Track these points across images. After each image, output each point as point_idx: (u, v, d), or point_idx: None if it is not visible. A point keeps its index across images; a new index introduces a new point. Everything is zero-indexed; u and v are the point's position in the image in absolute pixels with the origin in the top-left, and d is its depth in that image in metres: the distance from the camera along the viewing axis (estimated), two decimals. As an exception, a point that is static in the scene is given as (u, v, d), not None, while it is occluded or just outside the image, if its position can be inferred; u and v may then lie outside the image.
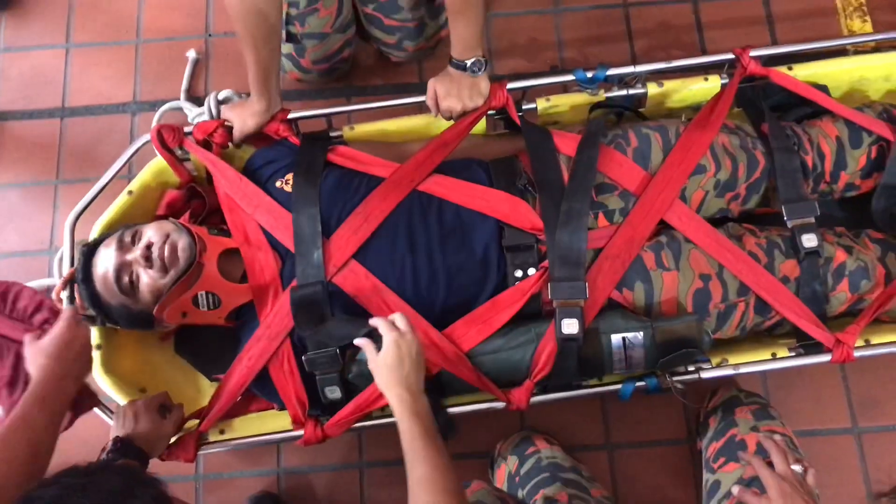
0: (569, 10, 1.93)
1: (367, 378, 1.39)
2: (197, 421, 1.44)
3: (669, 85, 1.63)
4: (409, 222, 1.42)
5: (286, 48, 1.74)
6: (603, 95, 1.63)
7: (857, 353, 1.42)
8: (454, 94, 1.55)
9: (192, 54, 1.90)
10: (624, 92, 1.63)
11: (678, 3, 1.93)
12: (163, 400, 1.41)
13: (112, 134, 1.83)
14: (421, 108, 1.60)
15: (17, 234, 1.79)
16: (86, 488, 0.76)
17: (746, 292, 1.40)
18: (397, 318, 1.24)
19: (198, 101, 1.82)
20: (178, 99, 1.84)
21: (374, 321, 1.25)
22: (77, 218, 1.55)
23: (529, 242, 1.41)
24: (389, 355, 1.20)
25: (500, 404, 1.41)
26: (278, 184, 1.48)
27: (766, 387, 1.68)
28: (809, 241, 1.43)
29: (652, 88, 1.62)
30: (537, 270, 1.39)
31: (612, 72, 1.61)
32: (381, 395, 1.37)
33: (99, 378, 1.47)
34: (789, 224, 1.45)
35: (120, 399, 1.46)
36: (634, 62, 1.72)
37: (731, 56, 1.60)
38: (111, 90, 1.89)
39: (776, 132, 1.50)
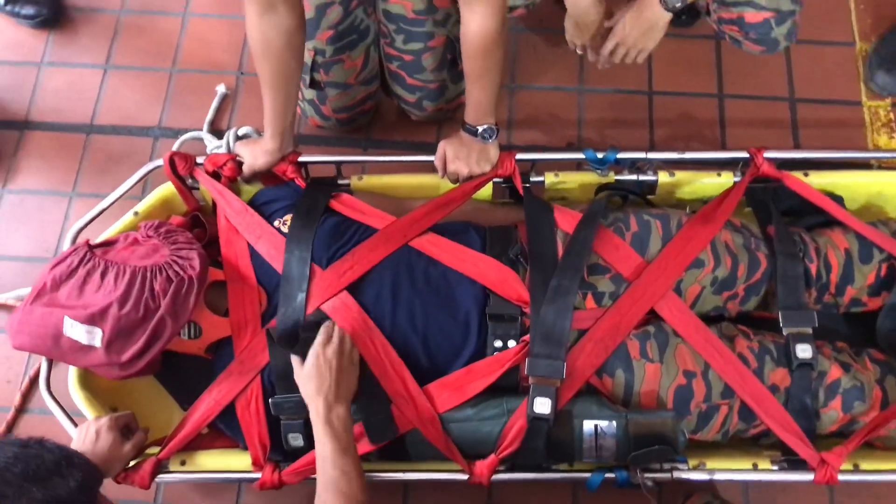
0: (593, 90, 1.95)
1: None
2: (157, 449, 1.43)
3: (681, 176, 1.62)
4: (394, 275, 1.42)
5: (308, 94, 1.78)
6: (612, 178, 1.63)
7: (842, 477, 1.36)
8: (462, 157, 1.56)
9: (221, 88, 1.95)
10: (634, 177, 1.62)
11: (704, 97, 1.94)
12: (127, 421, 1.40)
13: (133, 155, 1.88)
14: (433, 168, 1.62)
15: (25, 240, 1.83)
16: (17, 457, 0.75)
17: (731, 395, 1.36)
18: (328, 326, 1.31)
19: (219, 134, 1.85)
20: (201, 129, 1.88)
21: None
22: (80, 230, 1.59)
23: (514, 314, 1.39)
24: (309, 366, 1.24)
25: (462, 476, 1.38)
26: (277, 223, 1.50)
27: (748, 497, 1.61)
28: (804, 351, 1.39)
29: (663, 177, 1.62)
30: (518, 343, 1.37)
31: (622, 155, 1.61)
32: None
33: (73, 391, 1.48)
34: (785, 332, 1.41)
35: (88, 414, 1.46)
36: (652, 149, 1.72)
37: (745, 155, 1.60)
38: (138, 113, 1.94)
39: (782, 236, 1.48)
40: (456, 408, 1.36)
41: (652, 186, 1.63)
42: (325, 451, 1.20)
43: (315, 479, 1.39)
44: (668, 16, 1.55)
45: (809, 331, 1.41)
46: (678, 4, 1.53)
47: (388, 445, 1.38)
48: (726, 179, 1.61)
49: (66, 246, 1.52)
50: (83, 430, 1.37)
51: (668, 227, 1.46)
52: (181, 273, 1.36)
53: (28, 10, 1.99)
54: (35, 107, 1.96)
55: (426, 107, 1.81)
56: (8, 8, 2.00)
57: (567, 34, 1.68)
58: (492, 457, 1.35)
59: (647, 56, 1.64)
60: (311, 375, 1.25)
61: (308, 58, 1.68)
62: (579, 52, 1.72)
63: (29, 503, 0.70)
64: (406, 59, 1.73)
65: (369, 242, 1.45)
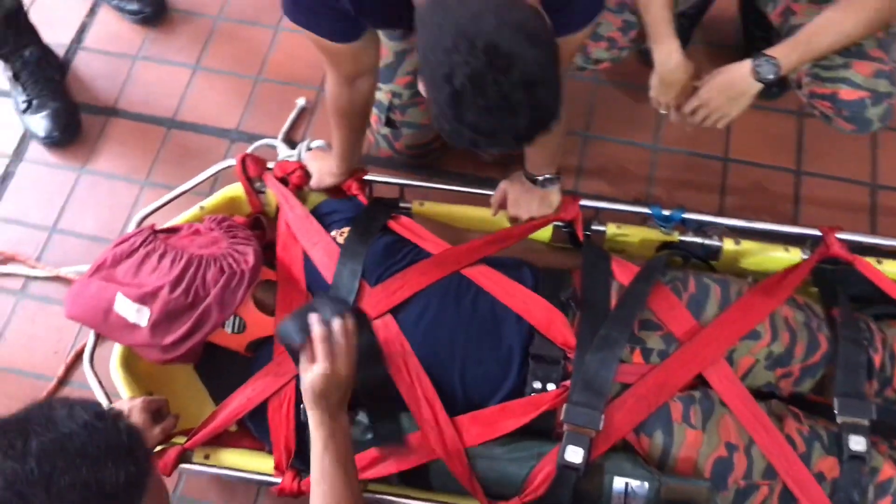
0: (667, 150, 1.93)
1: (359, 445, 1.37)
2: (183, 438, 1.43)
3: (747, 245, 1.58)
4: (441, 301, 1.41)
5: (383, 130, 1.81)
6: (677, 237, 1.60)
7: (884, 581, 1.28)
8: (523, 204, 1.57)
9: (300, 101, 1.99)
10: (699, 240, 1.59)
11: (780, 171, 1.90)
12: (160, 406, 1.41)
13: (208, 154, 1.93)
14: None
15: (93, 220, 1.88)
16: (86, 426, 0.72)
17: (773, 476, 1.30)
18: (337, 329, 1.15)
19: (293, 144, 1.89)
20: (276, 138, 1.92)
21: (316, 339, 1.14)
22: (145, 217, 1.64)
23: (557, 357, 1.36)
24: (319, 385, 1.12)
25: (482, 514, 1.34)
26: (334, 233, 1.51)
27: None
28: (857, 443, 1.32)
29: (728, 244, 1.58)
30: (557, 388, 1.34)
31: (689, 216, 1.58)
32: (367, 466, 1.34)
33: (114, 370, 1.50)
34: (839, 420, 1.34)
35: (125, 394, 1.47)
36: (720, 215, 1.68)
37: (817, 233, 1.55)
38: (219, 115, 2.00)
39: (848, 321, 1.42)
40: (484, 444, 1.33)
41: (716, 252, 1.59)
42: (323, 463, 1.12)
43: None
44: (759, 86, 1.53)
45: (866, 423, 1.34)
46: (771, 77, 1.50)
47: (411, 471, 1.36)
48: (794, 255, 1.56)
49: (130, 230, 1.56)
50: (116, 407, 1.39)
51: (728, 294, 1.42)
52: (234, 266, 1.39)
53: (133, 5, 2.08)
54: (124, 96, 2.03)
55: (491, 151, 1.82)
56: (115, 2, 2.10)
57: (652, 91, 1.67)
58: (515, 499, 1.31)
59: (729, 123, 1.61)
60: (319, 394, 1.12)
61: (385, 99, 1.72)
62: (662, 111, 1.70)
63: (71, 481, 0.67)
64: None
65: (421, 266, 1.45)
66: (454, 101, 0.95)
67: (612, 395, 1.33)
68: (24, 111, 1.93)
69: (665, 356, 1.37)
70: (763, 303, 1.40)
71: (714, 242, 1.58)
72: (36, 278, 1.82)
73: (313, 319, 1.14)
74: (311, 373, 1.12)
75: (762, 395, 1.41)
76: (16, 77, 1.92)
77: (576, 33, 1.26)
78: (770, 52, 1.51)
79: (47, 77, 1.94)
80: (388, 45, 1.64)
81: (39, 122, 1.92)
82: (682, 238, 1.59)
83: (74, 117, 1.97)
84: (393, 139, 1.81)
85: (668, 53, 1.58)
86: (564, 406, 1.31)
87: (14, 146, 1.97)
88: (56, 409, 0.72)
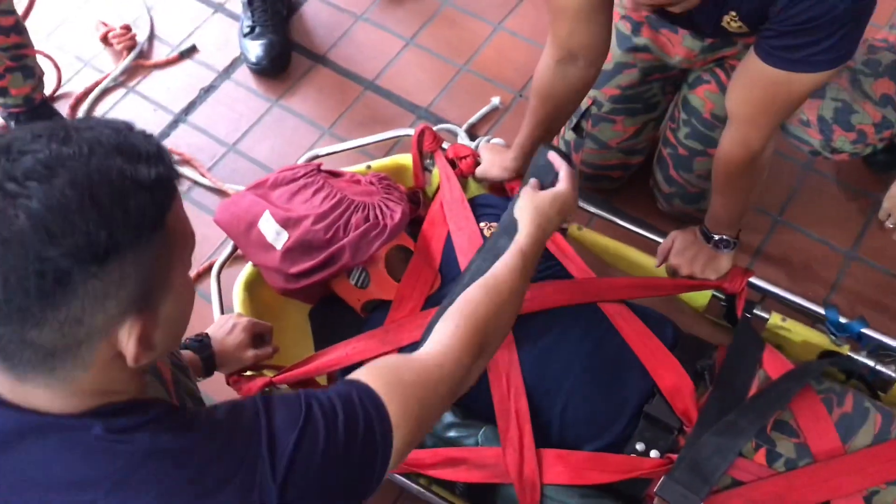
0: (865, 261, 1.72)
1: (436, 440, 1.30)
2: (273, 372, 1.42)
3: (926, 386, 1.37)
4: (568, 326, 1.31)
5: (568, 135, 1.73)
6: (846, 350, 1.41)
7: None
8: (689, 256, 1.44)
9: (496, 100, 1.97)
10: (871, 363, 1.40)
11: None
12: (263, 331, 1.41)
13: (392, 122, 1.95)
14: (654, 250, 1.51)
15: (268, 149, 1.95)
16: (118, 131, 0.71)
17: None
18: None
19: (473, 137, 1.87)
20: (460, 127, 1.91)
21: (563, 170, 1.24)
22: (316, 157, 1.69)
23: (672, 425, 1.23)
24: (548, 205, 1.19)
25: (535, 558, 1.22)
26: (482, 224, 1.46)
27: None
28: None
29: (904, 379, 1.38)
30: (661, 457, 1.21)
31: (869, 332, 1.39)
32: (436, 464, 1.27)
33: (237, 287, 1.52)
34: None
35: (236, 311, 1.49)
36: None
37: None
38: (416, 91, 2.02)
39: None
40: (563, 488, 1.22)
41: (888, 383, 1.39)
42: (509, 261, 1.10)
43: (392, 480, 1.32)
44: None
45: None
46: None
47: (477, 487, 1.27)
48: (982, 416, 1.33)
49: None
50: (223, 319, 1.40)
51: (888, 428, 1.23)
52: (379, 218, 1.38)
53: (373, -29, 2.16)
54: (336, 49, 2.10)
55: (675, 204, 1.70)
56: (357, -37, 2.18)
57: (887, 200, 1.52)
58: (575, 556, 1.19)
59: None
60: (543, 214, 1.18)
61: (584, 103, 1.65)
62: (889, 224, 1.52)
63: (105, 170, 0.66)
64: (680, 152, 1.63)
65: (558, 284, 1.37)
66: None
67: (720, 487, 1.18)
68: (245, 35, 2.04)
69: (793, 467, 1.20)
70: (929, 452, 1.20)
71: (889, 371, 1.38)
72: (201, 185, 1.90)
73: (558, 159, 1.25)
74: (562, 191, 1.21)
75: (894, 554, 1.21)
76: (249, 2, 2.03)
77: (813, 73, 1.14)
78: None
79: (275, 10, 2.04)
80: (613, 52, 1.57)
81: (254, 48, 2.02)
82: (852, 355, 1.41)
83: (286, 54, 2.06)
84: (574, 149, 1.73)
85: None
86: (662, 479, 1.18)
87: (226, 64, 2.09)
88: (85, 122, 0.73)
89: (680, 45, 1.51)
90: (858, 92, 1.47)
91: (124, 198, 0.67)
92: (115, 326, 0.69)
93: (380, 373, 0.87)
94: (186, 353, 1.28)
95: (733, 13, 1.17)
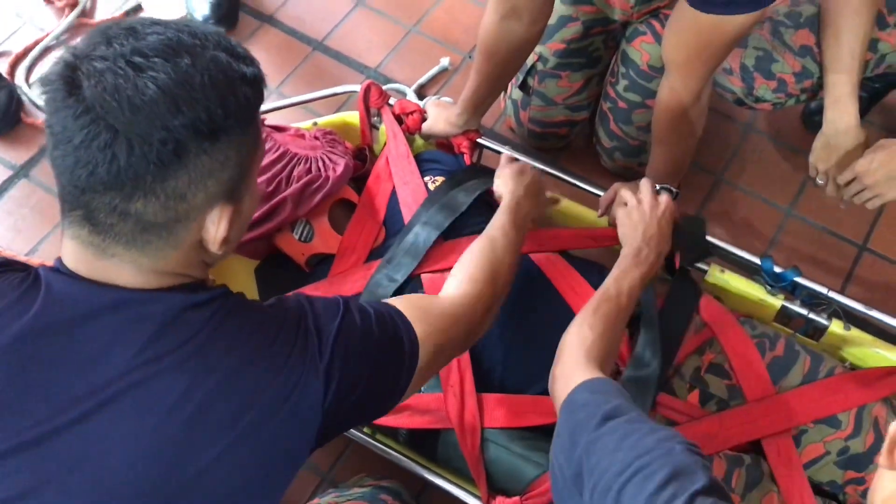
0: (801, 219, 1.77)
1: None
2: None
3: (856, 334, 1.41)
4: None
5: (515, 94, 1.74)
6: (780, 302, 1.45)
7: None
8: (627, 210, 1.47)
9: (444, 61, 1.97)
10: (805, 311, 1.44)
11: (921, 277, 1.71)
12: None
13: (340, 82, 1.91)
14: (598, 204, 1.53)
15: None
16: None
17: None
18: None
19: (422, 97, 1.88)
20: (409, 87, 1.91)
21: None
22: (261, 112, 1.66)
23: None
24: (514, 185, 1.31)
25: (474, 501, 1.25)
26: (427, 179, 1.47)
27: None
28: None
29: (836, 326, 1.41)
30: (599, 398, 1.23)
31: (802, 281, 1.43)
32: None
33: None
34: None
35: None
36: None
37: (942, 344, 1.37)
38: (364, 51, 2.01)
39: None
40: (503, 432, 1.24)
41: (819, 332, 1.43)
42: (502, 227, 1.19)
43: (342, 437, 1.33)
44: None
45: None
46: None
47: (420, 434, 1.29)
48: (906, 361, 1.38)
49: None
50: None
51: (817, 368, 1.28)
52: (321, 170, 1.38)
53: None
54: (284, 9, 2.08)
55: (616, 158, 1.73)
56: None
57: (812, 154, 1.54)
58: (516, 499, 1.20)
59: (880, 206, 1.45)
60: (514, 194, 1.28)
61: (530, 60, 1.66)
62: (819, 179, 1.56)
63: (217, 60, 0.73)
64: (619, 106, 1.65)
65: (502, 235, 1.38)
66: None
67: (655, 427, 1.21)
68: (192, -7, 2.01)
69: (725, 407, 1.23)
70: (854, 392, 1.25)
71: (821, 320, 1.43)
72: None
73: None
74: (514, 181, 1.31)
75: (823, 493, 1.25)
76: (196, -39, 2.01)
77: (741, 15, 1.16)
78: None
79: (223, -31, 2.02)
80: (557, 5, 1.57)
81: (201, 6, 1.99)
82: (787, 304, 1.45)
83: (233, 13, 2.03)
84: (521, 107, 1.74)
85: (841, 114, 1.45)
86: (600, 420, 1.20)
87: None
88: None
89: None
90: (779, 42, 1.51)
91: (235, 86, 0.74)
92: (208, 209, 0.76)
93: (409, 302, 0.96)
94: None
95: None
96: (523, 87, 1.72)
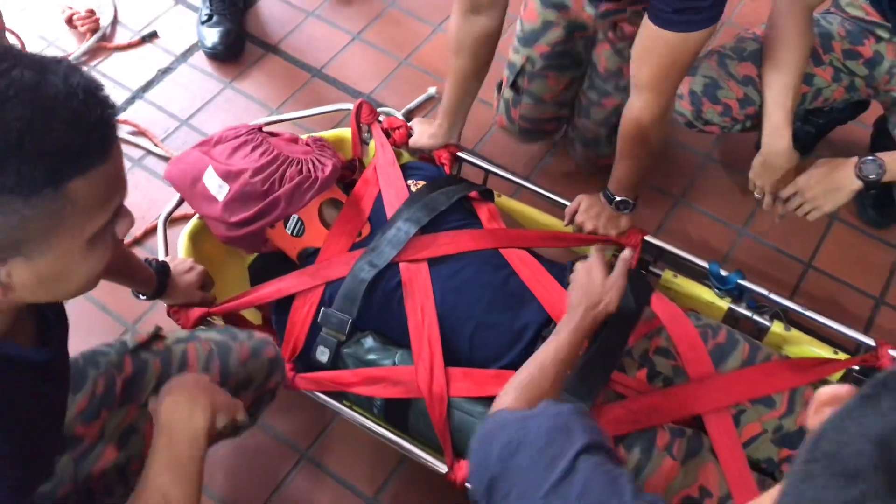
0: (754, 238, 1.93)
1: (357, 362, 1.43)
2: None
3: (795, 334, 1.56)
4: (480, 266, 1.47)
5: (507, 93, 1.90)
6: (726, 304, 1.59)
7: None
8: (593, 215, 1.62)
9: (432, 90, 2.16)
10: (749, 314, 1.58)
11: (861, 294, 1.85)
12: (210, 282, 1.55)
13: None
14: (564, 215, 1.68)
15: (219, 125, 2.06)
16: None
17: (738, 540, 1.25)
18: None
19: (409, 121, 2.04)
20: (398, 111, 2.09)
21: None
22: (259, 126, 1.80)
23: (566, 347, 1.38)
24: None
25: (442, 467, 1.36)
26: (409, 182, 1.62)
27: None
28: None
29: (777, 327, 1.56)
30: (555, 374, 1.36)
31: (745, 283, 1.57)
32: (357, 383, 1.40)
33: (182, 237, 1.64)
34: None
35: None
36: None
37: (871, 342, 1.50)
38: (359, 80, 2.19)
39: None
40: (468, 400, 1.36)
41: (763, 332, 1.57)
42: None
43: (317, 400, 1.45)
44: (858, 184, 1.53)
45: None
46: (873, 177, 1.50)
47: (393, 404, 1.41)
48: (840, 357, 1.51)
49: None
50: (186, 260, 1.54)
51: (755, 355, 1.41)
52: (311, 172, 1.52)
53: (325, -26, 2.34)
54: (287, 40, 2.27)
55: (577, 149, 1.90)
56: (312, -32, 2.37)
57: (752, 172, 1.70)
58: (476, 460, 1.32)
59: (819, 217, 1.61)
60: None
61: (519, 62, 1.81)
62: (756, 194, 1.71)
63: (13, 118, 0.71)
64: (582, 102, 1.83)
65: (474, 232, 1.53)
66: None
67: (605, 399, 1.34)
68: (203, 23, 2.20)
69: (670, 384, 1.36)
70: (788, 375, 1.38)
71: (763, 321, 1.57)
72: (154, 154, 2.03)
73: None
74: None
75: (760, 470, 1.37)
76: (209, -6, 2.21)
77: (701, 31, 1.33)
78: (880, 155, 1.52)
79: (233, 2, 2.21)
80: (538, 10, 1.73)
81: (211, 35, 2.18)
82: (733, 307, 1.59)
83: (240, 42, 2.22)
84: (512, 105, 1.89)
85: (776, 137, 1.61)
86: (555, 390, 1.33)
87: (184, 49, 2.24)
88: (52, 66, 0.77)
89: (583, 10, 1.69)
90: (725, 72, 1.69)
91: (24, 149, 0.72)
92: None
93: None
94: (148, 271, 1.42)
95: None
96: (514, 86, 1.88)
